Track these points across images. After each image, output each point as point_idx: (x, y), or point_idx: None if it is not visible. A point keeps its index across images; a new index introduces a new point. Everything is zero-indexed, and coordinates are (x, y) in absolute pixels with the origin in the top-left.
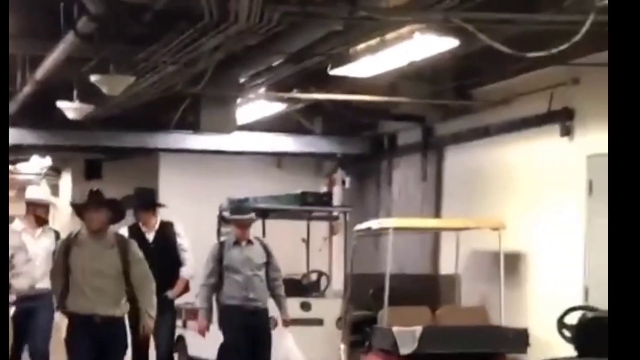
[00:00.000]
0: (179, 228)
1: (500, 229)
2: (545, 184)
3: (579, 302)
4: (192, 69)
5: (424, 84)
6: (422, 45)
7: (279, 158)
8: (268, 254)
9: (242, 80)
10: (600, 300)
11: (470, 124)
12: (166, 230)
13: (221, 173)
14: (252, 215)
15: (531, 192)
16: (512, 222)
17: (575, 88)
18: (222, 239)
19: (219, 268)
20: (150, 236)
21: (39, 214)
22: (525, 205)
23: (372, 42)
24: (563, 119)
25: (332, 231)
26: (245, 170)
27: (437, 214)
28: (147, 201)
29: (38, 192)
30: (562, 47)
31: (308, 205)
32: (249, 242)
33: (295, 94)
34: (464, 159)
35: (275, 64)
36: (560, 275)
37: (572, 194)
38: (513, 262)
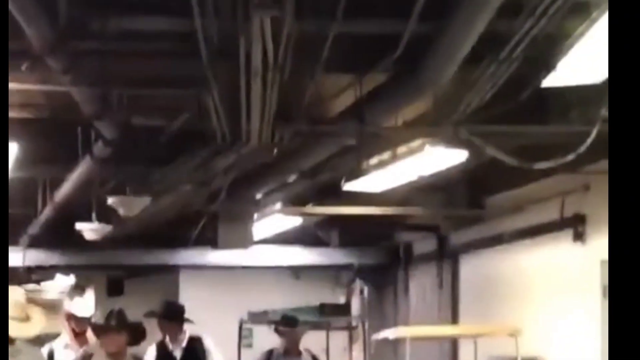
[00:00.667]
0: (208, 343)
1: (516, 334)
2: (560, 289)
3: None
4: (208, 187)
5: (437, 194)
6: (433, 158)
7: (297, 270)
8: None
9: (258, 196)
10: None
11: (484, 232)
12: (195, 346)
13: (240, 286)
14: (304, 326)
15: (546, 297)
16: (529, 328)
17: (586, 194)
18: (270, 347)
19: None
20: (177, 353)
21: (80, 329)
22: (541, 311)
23: (384, 156)
24: (575, 225)
25: (351, 340)
26: (264, 283)
27: (454, 320)
28: (173, 313)
29: (83, 307)
30: (568, 158)
31: (327, 316)
32: (299, 352)
33: (311, 209)
34: (479, 266)
35: (290, 179)
36: None
37: (587, 299)
38: None
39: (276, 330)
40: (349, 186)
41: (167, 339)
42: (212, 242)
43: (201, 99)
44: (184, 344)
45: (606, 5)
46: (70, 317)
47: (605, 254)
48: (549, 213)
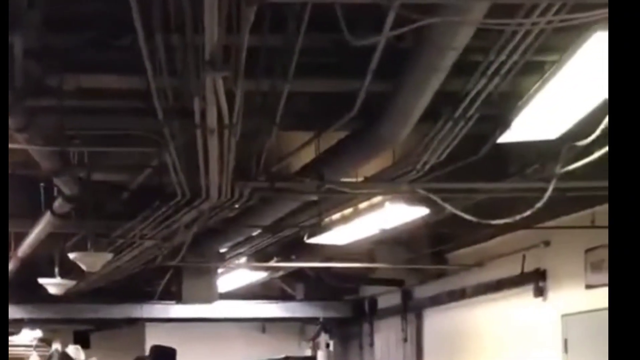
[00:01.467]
0: None
1: None
2: (522, 344)
3: None
4: (170, 242)
5: (401, 249)
6: (393, 213)
7: (263, 323)
8: None
9: (222, 250)
10: None
11: (447, 287)
12: None
13: (206, 340)
14: None
15: (509, 351)
16: None
17: (546, 250)
18: None
19: None
20: None
21: None
22: None
23: (346, 211)
24: (536, 280)
25: None
26: (230, 336)
27: None
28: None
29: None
30: (525, 214)
31: None
32: None
33: (275, 263)
34: (443, 320)
35: (253, 234)
36: None
37: (548, 353)
38: None
39: None
40: (312, 240)
41: None
42: (177, 296)
43: (161, 156)
44: None
45: (559, 64)
46: None
47: (565, 309)
48: (510, 268)
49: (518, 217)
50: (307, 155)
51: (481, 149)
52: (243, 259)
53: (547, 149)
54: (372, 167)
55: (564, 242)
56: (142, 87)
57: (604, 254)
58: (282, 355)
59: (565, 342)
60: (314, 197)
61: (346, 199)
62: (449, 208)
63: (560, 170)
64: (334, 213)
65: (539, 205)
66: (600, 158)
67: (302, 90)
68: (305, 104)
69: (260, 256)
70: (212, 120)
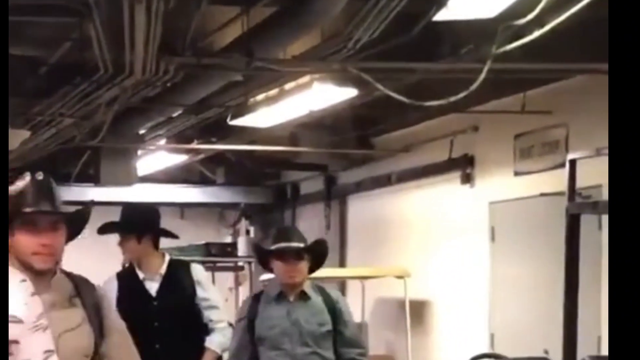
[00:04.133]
0: (199, 273)
1: (405, 277)
2: (448, 232)
3: (485, 349)
4: (90, 121)
5: (326, 133)
6: (321, 94)
7: (182, 209)
8: (337, 314)
9: (141, 131)
10: (506, 347)
11: (373, 173)
12: (178, 276)
13: None
14: (306, 244)
15: (435, 239)
16: (417, 270)
17: (474, 135)
18: (262, 278)
19: (251, 341)
20: (152, 286)
21: None
22: (429, 253)
23: (271, 92)
24: (463, 167)
25: (237, 281)
26: None
27: (342, 262)
28: (144, 223)
29: None
30: (460, 96)
31: (212, 256)
32: (303, 294)
33: (196, 145)
34: (368, 208)
35: (174, 115)
36: (466, 323)
37: (475, 241)
38: (419, 310)
39: (266, 266)
40: (235, 122)
41: (136, 264)
42: (95, 179)
43: (83, 29)
44: (162, 271)
45: None
46: None
47: (492, 197)
48: (438, 154)
49: (452, 98)
50: (234, 32)
51: (415, 28)
52: (163, 141)
53: (483, 28)
54: (300, 46)
55: (493, 127)
56: None
57: (533, 140)
58: (202, 242)
59: (493, 229)
60: (240, 77)
61: (273, 78)
62: (381, 88)
63: (495, 50)
64: (259, 93)
65: (473, 87)
66: (536, 39)
67: None
68: None
69: (180, 138)
70: None
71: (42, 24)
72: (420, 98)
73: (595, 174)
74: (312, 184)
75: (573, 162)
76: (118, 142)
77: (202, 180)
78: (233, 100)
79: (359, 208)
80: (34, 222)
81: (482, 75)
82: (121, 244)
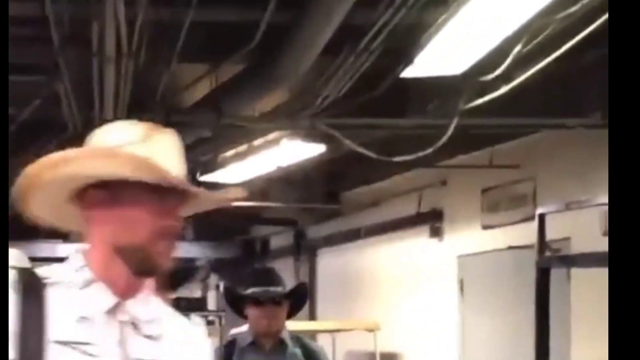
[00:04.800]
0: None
1: (375, 330)
2: (418, 285)
3: None
4: None
5: (295, 188)
6: (290, 150)
7: None
8: None
9: None
10: None
11: (342, 227)
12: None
13: None
14: (285, 288)
15: (405, 292)
16: (388, 323)
17: (443, 189)
18: (232, 332)
19: None
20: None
21: None
22: (399, 306)
23: (240, 148)
24: (432, 220)
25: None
26: None
27: (312, 316)
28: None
29: None
30: (427, 151)
31: (183, 310)
32: (281, 342)
33: None
34: (337, 261)
35: None
36: None
37: (444, 294)
38: None
39: (239, 313)
40: (205, 178)
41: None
42: (63, 235)
43: (52, 87)
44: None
45: None
46: None
47: (461, 250)
48: (406, 208)
49: (420, 154)
50: (204, 89)
51: (382, 84)
52: None
53: (450, 84)
54: (268, 102)
55: (461, 181)
56: (34, 13)
57: (501, 194)
58: (172, 296)
59: (461, 282)
60: (209, 133)
61: (242, 134)
62: (349, 144)
63: (462, 106)
64: (229, 150)
65: (440, 142)
66: (502, 94)
67: (201, 20)
68: (204, 35)
69: None
70: (110, 48)
71: (12, 82)
72: (388, 153)
73: (563, 227)
74: (281, 239)
75: (542, 216)
76: None
77: None
78: (203, 157)
79: (328, 262)
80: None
81: (450, 131)
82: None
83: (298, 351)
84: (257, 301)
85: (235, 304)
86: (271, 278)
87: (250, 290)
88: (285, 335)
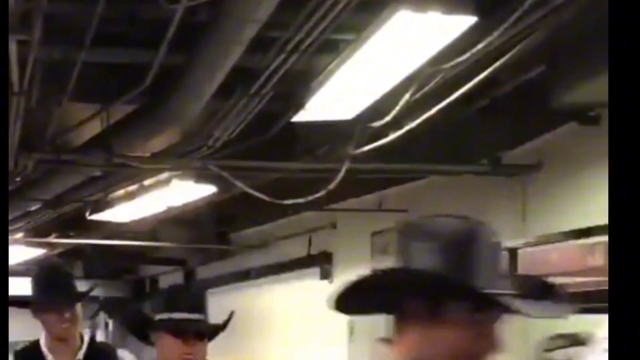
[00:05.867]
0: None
1: None
2: (308, 327)
3: None
4: None
5: (185, 228)
6: (180, 191)
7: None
8: None
9: None
10: None
11: (231, 268)
12: (101, 358)
13: None
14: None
15: (296, 334)
16: None
17: (332, 232)
18: None
19: None
20: None
21: None
22: (290, 348)
23: (130, 188)
24: (322, 263)
25: None
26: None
27: None
28: (58, 289)
29: None
30: (317, 195)
31: None
32: None
33: (54, 239)
34: (227, 302)
35: (32, 208)
36: None
37: (334, 337)
38: None
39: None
40: (94, 217)
41: (49, 341)
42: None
43: None
44: (80, 356)
45: (357, 44)
46: None
47: None
48: (297, 250)
49: (310, 197)
50: (94, 128)
51: (274, 127)
52: (20, 234)
53: (341, 129)
54: (160, 143)
55: (351, 224)
56: None
57: (390, 237)
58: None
59: (352, 326)
60: (99, 172)
61: (133, 174)
62: (241, 186)
63: (353, 151)
64: (119, 189)
65: (331, 186)
66: (392, 140)
67: (93, 60)
68: (94, 75)
69: (38, 232)
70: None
71: None
72: (279, 196)
73: None
74: (171, 278)
75: None
76: None
77: None
78: (92, 195)
79: (218, 303)
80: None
81: (340, 176)
82: (37, 314)
83: None
84: (175, 330)
85: (143, 330)
86: (194, 302)
87: (166, 316)
88: None
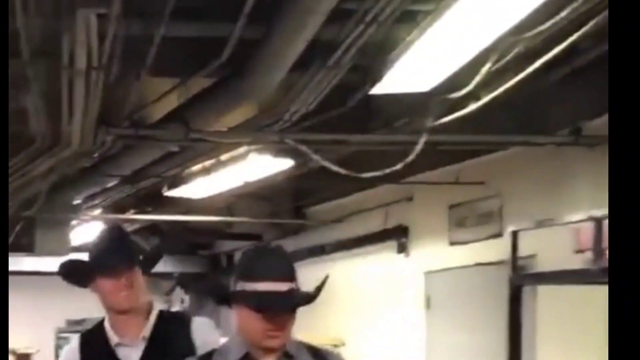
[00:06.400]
0: (203, 333)
1: (340, 345)
2: (384, 300)
3: None
4: (26, 192)
5: (261, 203)
6: (257, 165)
7: None
8: None
9: (76, 201)
10: None
11: (307, 242)
12: (171, 334)
13: (59, 294)
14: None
15: (371, 308)
16: (353, 339)
17: (409, 205)
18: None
19: None
20: (133, 353)
21: None
22: (365, 322)
23: (207, 163)
24: (398, 237)
25: None
26: (83, 291)
27: None
28: (123, 252)
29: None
30: (395, 168)
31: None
32: (286, 357)
33: (131, 216)
34: (303, 276)
35: (110, 185)
36: None
37: (411, 310)
38: None
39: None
40: (171, 192)
41: (110, 316)
42: (29, 248)
43: (20, 100)
44: (147, 332)
45: (435, 15)
46: None
47: (427, 266)
48: (373, 224)
49: (387, 170)
50: (172, 103)
51: (351, 100)
52: (98, 211)
53: (418, 101)
54: (237, 117)
55: (428, 198)
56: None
57: (468, 210)
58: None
59: (428, 298)
60: (176, 147)
61: (210, 149)
62: (318, 160)
63: (430, 123)
64: (195, 164)
65: (409, 159)
66: (470, 112)
67: (172, 34)
68: (174, 49)
69: (116, 208)
70: (80, 62)
71: None
72: (355, 169)
73: (530, 244)
74: None
75: (515, 234)
76: (52, 212)
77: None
78: (169, 171)
79: None
80: None
81: (418, 148)
82: (100, 284)
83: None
84: (260, 306)
85: (225, 299)
86: (280, 269)
87: (248, 287)
88: (292, 348)
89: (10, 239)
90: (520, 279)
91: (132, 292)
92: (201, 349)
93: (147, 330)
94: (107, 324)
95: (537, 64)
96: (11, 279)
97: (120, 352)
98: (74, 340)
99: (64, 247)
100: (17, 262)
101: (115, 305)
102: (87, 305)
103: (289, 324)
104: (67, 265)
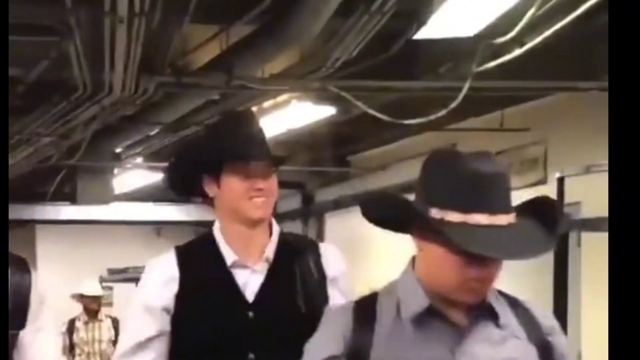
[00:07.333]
0: (334, 263)
1: None
2: None
3: None
4: (68, 140)
5: (303, 151)
6: (300, 113)
7: (159, 227)
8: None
9: (118, 150)
10: None
11: (350, 190)
12: (299, 269)
13: (100, 243)
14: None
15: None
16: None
17: None
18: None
19: None
20: (250, 282)
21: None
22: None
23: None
24: None
25: None
26: (124, 239)
27: None
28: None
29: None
30: (439, 114)
31: None
32: (489, 310)
33: None
34: (346, 225)
35: (152, 133)
36: None
37: None
38: None
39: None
40: None
41: (231, 229)
42: (71, 197)
43: (62, 48)
44: (270, 254)
45: None
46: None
47: None
48: (417, 172)
49: (431, 116)
50: (213, 50)
51: (394, 46)
52: (139, 159)
53: (462, 47)
54: (279, 64)
55: (471, 144)
56: None
57: (512, 157)
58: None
59: None
60: (217, 95)
61: (251, 96)
62: (360, 106)
63: (475, 69)
64: None
65: (453, 104)
66: (514, 57)
67: None
68: None
69: (157, 156)
70: (122, 9)
71: (20, 43)
72: (398, 116)
73: (575, 191)
74: (289, 202)
75: (562, 180)
76: (95, 160)
77: (178, 198)
78: (210, 119)
79: (336, 225)
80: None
81: (462, 94)
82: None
83: (514, 321)
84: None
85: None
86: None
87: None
88: (493, 301)
89: (52, 188)
90: (566, 226)
91: (271, 199)
92: (334, 283)
93: (270, 251)
94: (220, 238)
95: (583, 8)
96: (53, 227)
97: (237, 274)
98: (168, 255)
99: (106, 195)
100: (58, 212)
101: (248, 212)
102: (128, 255)
103: (498, 271)
104: (175, 163)
